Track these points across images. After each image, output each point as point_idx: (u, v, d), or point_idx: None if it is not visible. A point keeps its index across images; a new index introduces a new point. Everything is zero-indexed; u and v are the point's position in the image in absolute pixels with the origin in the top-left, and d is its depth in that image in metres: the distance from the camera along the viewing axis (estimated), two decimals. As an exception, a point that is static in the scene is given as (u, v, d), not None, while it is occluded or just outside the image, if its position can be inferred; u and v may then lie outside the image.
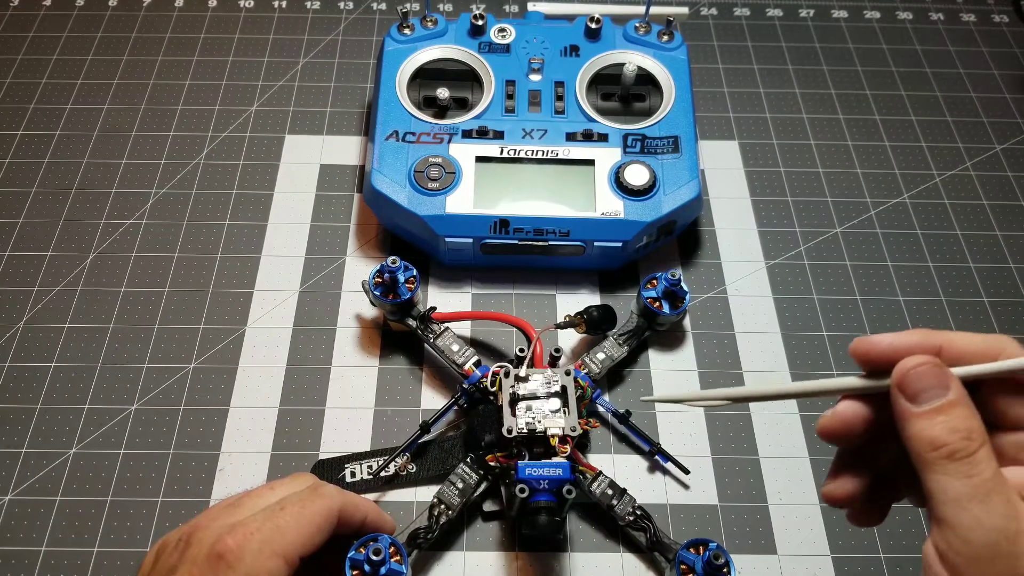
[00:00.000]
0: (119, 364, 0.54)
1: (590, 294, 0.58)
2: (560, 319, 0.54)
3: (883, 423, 0.31)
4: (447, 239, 0.56)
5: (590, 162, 0.57)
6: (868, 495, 0.33)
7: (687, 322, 0.57)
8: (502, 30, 0.63)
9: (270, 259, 0.59)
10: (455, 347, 0.51)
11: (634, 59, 0.62)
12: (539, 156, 0.58)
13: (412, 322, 0.52)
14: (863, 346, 0.31)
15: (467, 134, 0.58)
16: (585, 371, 0.51)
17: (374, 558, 0.39)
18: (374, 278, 0.52)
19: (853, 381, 0.31)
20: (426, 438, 0.50)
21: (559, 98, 0.60)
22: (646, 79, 0.62)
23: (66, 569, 0.46)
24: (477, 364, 0.50)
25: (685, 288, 0.54)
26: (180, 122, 0.67)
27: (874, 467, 0.33)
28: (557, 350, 0.48)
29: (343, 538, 0.40)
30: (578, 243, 0.56)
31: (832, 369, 0.55)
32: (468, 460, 0.47)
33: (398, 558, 0.40)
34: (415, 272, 0.52)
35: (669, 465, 0.51)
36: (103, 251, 0.59)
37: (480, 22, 0.62)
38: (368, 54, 0.72)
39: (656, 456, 0.51)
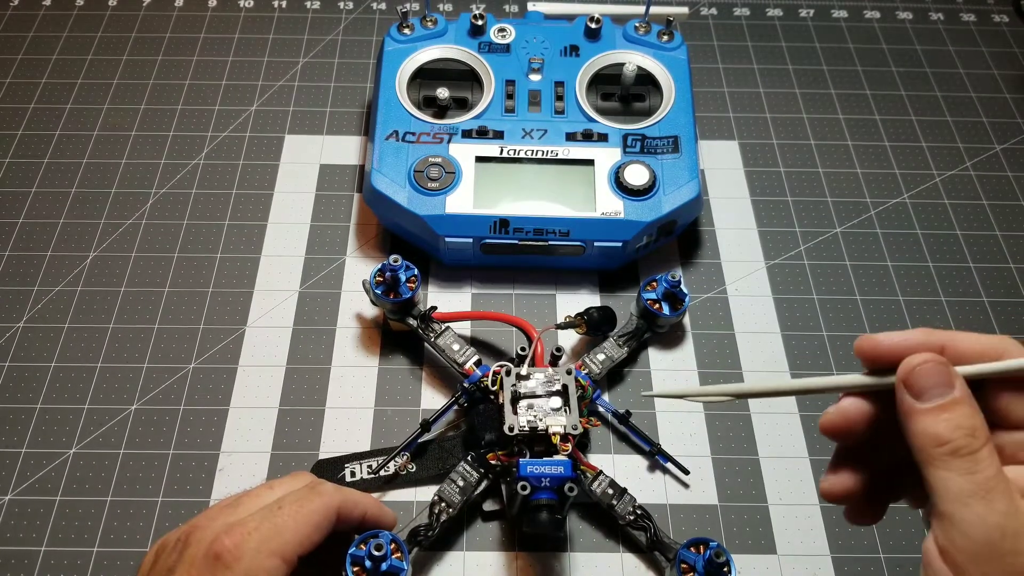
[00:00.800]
0: (119, 364, 0.54)
1: (590, 294, 0.58)
2: (560, 319, 0.54)
3: (885, 420, 0.31)
4: (447, 239, 0.56)
5: (590, 162, 0.57)
6: (866, 492, 0.33)
7: (687, 322, 0.57)
8: (502, 30, 0.63)
9: (270, 259, 0.59)
10: (456, 346, 0.51)
11: (634, 59, 0.62)
12: (539, 156, 0.58)
13: (413, 321, 0.52)
14: (867, 344, 0.31)
15: (467, 134, 0.58)
16: (585, 371, 0.51)
17: (375, 553, 0.39)
18: (375, 277, 0.52)
19: (857, 379, 0.31)
20: (426, 437, 0.50)
21: (559, 98, 0.60)
22: (646, 79, 0.62)
23: (66, 569, 0.46)
24: (478, 363, 0.50)
25: (685, 290, 0.54)
26: (180, 122, 0.67)
27: (873, 464, 0.33)
28: (559, 349, 0.48)
29: (342, 534, 0.40)
30: (578, 243, 0.56)
31: (832, 369, 0.55)
32: (469, 458, 0.47)
33: (399, 555, 0.40)
34: (416, 271, 0.52)
35: (669, 465, 0.51)
36: (103, 251, 0.59)
37: (480, 22, 0.62)
38: (368, 54, 0.72)
39: (656, 456, 0.51)
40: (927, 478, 0.28)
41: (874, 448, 0.33)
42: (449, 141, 0.58)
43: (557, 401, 0.46)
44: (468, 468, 0.47)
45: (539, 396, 0.46)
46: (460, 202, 0.56)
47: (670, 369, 0.55)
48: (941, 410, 0.28)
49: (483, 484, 0.47)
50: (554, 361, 0.49)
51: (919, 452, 0.28)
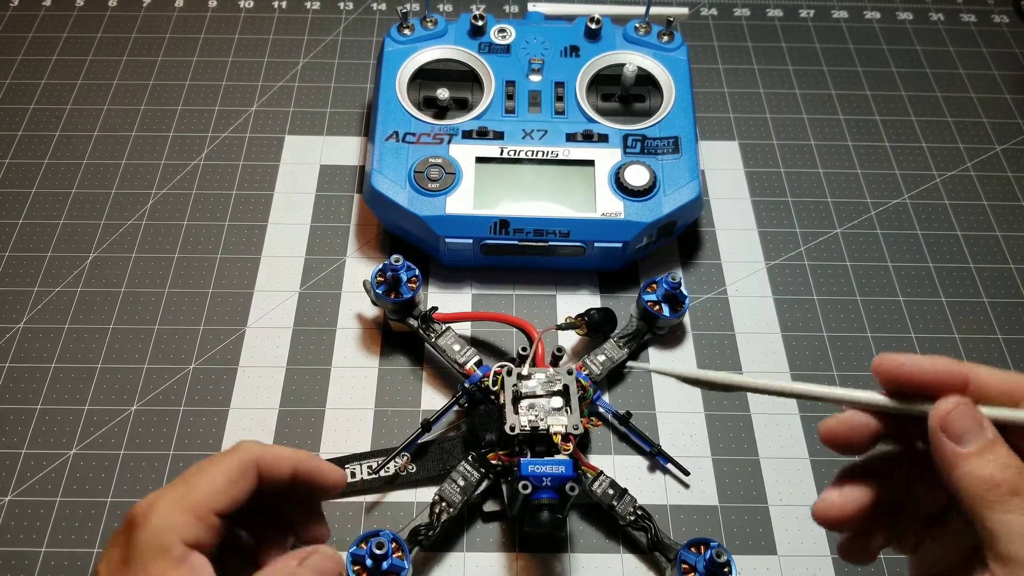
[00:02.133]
0: (119, 364, 0.54)
1: (590, 295, 0.58)
2: (560, 320, 0.54)
3: (888, 438, 0.31)
4: (447, 240, 0.56)
5: (590, 163, 0.57)
6: (863, 523, 0.32)
7: (687, 323, 0.57)
8: (502, 30, 0.63)
9: (270, 259, 0.59)
10: (456, 347, 0.51)
11: (634, 59, 0.62)
12: (539, 157, 0.58)
13: (413, 322, 0.52)
14: (889, 365, 0.30)
15: (467, 135, 0.58)
16: (586, 372, 0.51)
17: (376, 552, 0.39)
18: (376, 277, 0.52)
19: (877, 397, 0.31)
20: (426, 438, 0.50)
21: (559, 98, 0.60)
22: (646, 79, 0.62)
23: (66, 569, 0.46)
24: (478, 364, 0.50)
25: (685, 292, 0.54)
26: (180, 122, 0.67)
27: (879, 492, 0.32)
28: (559, 349, 0.48)
29: (289, 496, 0.38)
30: (578, 244, 0.56)
31: (832, 369, 0.55)
32: (469, 458, 0.47)
33: (400, 554, 0.40)
34: (417, 272, 0.52)
35: (669, 466, 0.51)
36: (103, 251, 0.59)
37: (480, 22, 0.62)
38: (368, 54, 0.72)
39: (656, 457, 0.51)
40: (983, 522, 0.27)
41: (882, 472, 0.32)
42: (449, 142, 0.58)
43: (558, 401, 0.46)
44: (469, 468, 0.47)
45: (540, 396, 0.46)
46: (460, 203, 0.56)
47: (670, 369, 0.55)
48: (984, 452, 0.28)
49: (484, 484, 0.47)
50: (555, 361, 0.49)
51: (971, 498, 0.27)
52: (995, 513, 0.27)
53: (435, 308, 0.53)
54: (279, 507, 0.37)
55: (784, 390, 0.33)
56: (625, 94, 0.62)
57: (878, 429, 0.31)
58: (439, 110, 0.60)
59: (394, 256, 0.51)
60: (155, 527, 0.32)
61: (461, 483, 0.46)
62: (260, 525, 0.36)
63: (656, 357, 0.56)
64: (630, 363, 0.40)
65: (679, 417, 0.53)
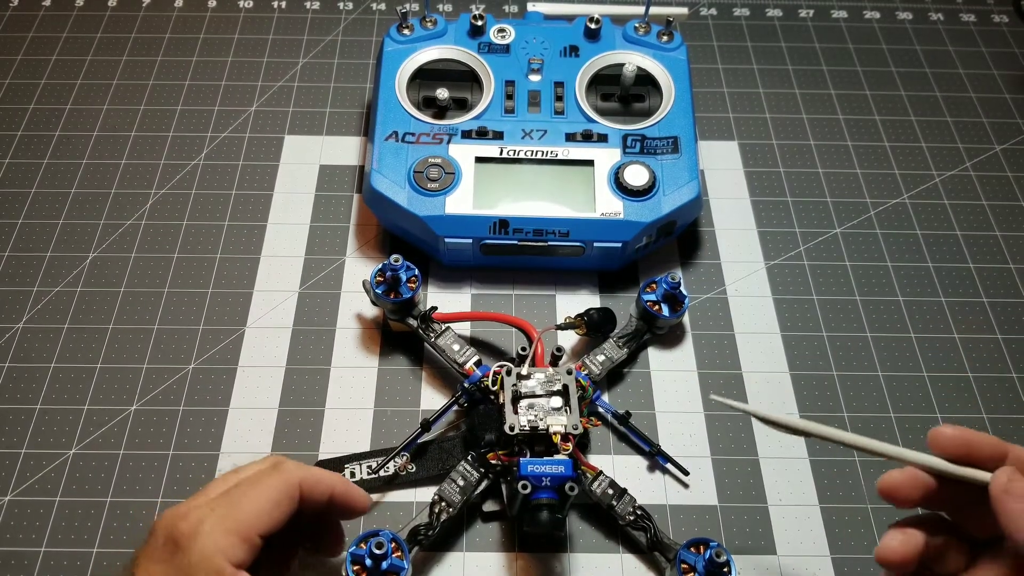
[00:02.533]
0: (119, 364, 0.54)
1: (590, 295, 0.58)
2: (560, 320, 0.54)
3: (933, 500, 0.36)
4: (447, 239, 0.56)
5: (590, 162, 0.57)
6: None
7: (687, 322, 0.57)
8: (502, 30, 0.63)
9: (270, 259, 0.59)
10: (456, 346, 0.51)
11: (634, 59, 0.62)
12: (539, 156, 0.58)
13: (413, 322, 0.52)
14: (955, 441, 0.35)
15: (467, 134, 0.58)
16: (585, 372, 0.51)
17: (376, 551, 0.39)
18: (376, 277, 0.52)
19: (942, 463, 0.36)
20: (426, 438, 0.50)
21: (559, 98, 0.60)
22: (646, 79, 0.62)
23: (66, 569, 0.46)
24: (478, 363, 0.50)
25: (685, 292, 0.54)
26: (180, 122, 0.67)
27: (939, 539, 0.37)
28: (559, 349, 0.48)
29: (319, 517, 0.39)
30: (578, 243, 0.56)
31: (832, 370, 0.55)
32: (469, 458, 0.47)
33: (399, 553, 0.40)
34: (417, 271, 0.52)
35: (669, 466, 0.51)
36: (103, 251, 0.59)
37: (480, 22, 0.62)
38: (368, 54, 0.72)
39: (656, 457, 0.51)
40: None
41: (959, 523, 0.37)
42: (449, 142, 0.58)
43: (557, 401, 0.46)
44: (468, 468, 0.47)
45: (539, 396, 0.46)
46: (460, 203, 0.56)
47: (670, 370, 0.55)
48: None
49: (483, 484, 0.47)
50: (554, 361, 0.49)
51: None
52: None
53: (434, 308, 0.53)
54: (306, 521, 0.38)
55: (860, 445, 0.37)
56: (625, 94, 0.62)
57: (932, 487, 0.36)
58: (439, 110, 0.60)
59: (393, 256, 0.51)
60: (204, 550, 0.32)
61: (460, 483, 0.46)
62: (282, 534, 0.37)
63: (656, 357, 0.56)
64: (712, 396, 0.42)
65: (678, 417, 0.53)
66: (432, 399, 0.53)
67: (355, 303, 0.57)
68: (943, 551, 0.37)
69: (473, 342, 0.55)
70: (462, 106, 0.61)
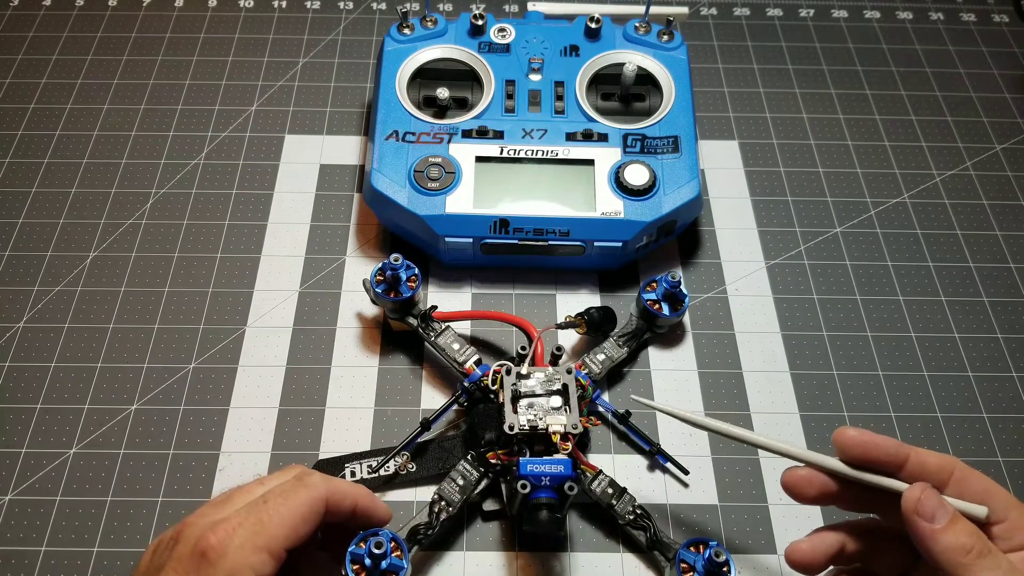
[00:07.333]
0: (119, 364, 0.54)
1: (590, 294, 0.58)
2: (560, 319, 0.54)
3: (837, 499, 0.38)
4: (447, 239, 0.56)
5: (590, 162, 0.57)
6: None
7: (687, 322, 0.57)
8: (502, 30, 0.63)
9: (270, 259, 0.59)
10: (456, 346, 0.51)
11: (634, 59, 0.62)
12: (539, 156, 0.58)
13: (413, 321, 0.52)
14: (853, 442, 0.37)
15: (467, 134, 0.58)
16: (585, 371, 0.51)
17: (375, 551, 0.39)
18: (376, 276, 0.52)
19: (839, 464, 0.38)
20: (426, 437, 0.50)
21: (559, 98, 0.60)
22: (646, 79, 0.62)
23: (66, 569, 0.46)
24: (478, 363, 0.50)
25: (685, 291, 0.54)
26: (180, 122, 0.67)
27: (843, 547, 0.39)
28: (559, 348, 0.48)
29: (337, 527, 0.40)
30: (578, 243, 0.56)
31: (832, 369, 0.55)
32: (468, 457, 0.47)
33: (398, 553, 0.40)
34: (417, 270, 0.52)
35: (669, 465, 0.51)
36: (103, 251, 0.59)
37: (480, 22, 0.62)
38: (368, 54, 0.72)
39: (656, 456, 0.51)
40: None
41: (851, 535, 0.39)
42: (449, 141, 0.58)
43: (557, 400, 0.46)
44: (468, 467, 0.47)
45: (539, 395, 0.46)
46: (460, 202, 0.56)
47: (670, 370, 0.55)
48: (953, 525, 0.34)
49: (483, 483, 0.47)
50: (554, 360, 0.49)
51: (951, 565, 0.33)
52: (973, 573, 0.33)
53: (435, 307, 0.53)
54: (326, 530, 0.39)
55: (764, 445, 0.40)
56: (625, 93, 0.62)
57: (833, 489, 0.38)
58: (439, 109, 0.60)
59: (394, 255, 0.51)
60: (235, 566, 0.33)
61: (460, 482, 0.46)
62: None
63: (656, 356, 0.56)
64: (632, 396, 0.45)
65: (679, 416, 0.53)
66: (432, 398, 0.53)
67: (355, 302, 0.57)
68: (880, 552, 0.38)
69: (473, 341, 0.55)
70: (462, 105, 0.61)
